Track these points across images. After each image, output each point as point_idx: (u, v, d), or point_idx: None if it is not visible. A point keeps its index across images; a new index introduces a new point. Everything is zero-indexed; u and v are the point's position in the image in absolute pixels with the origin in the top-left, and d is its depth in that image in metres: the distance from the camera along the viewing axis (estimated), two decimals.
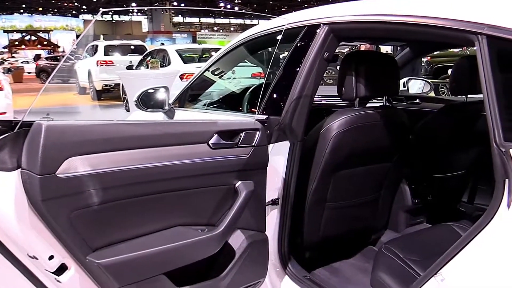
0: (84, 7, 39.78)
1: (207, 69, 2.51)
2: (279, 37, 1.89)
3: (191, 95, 2.67)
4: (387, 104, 2.01)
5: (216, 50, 10.85)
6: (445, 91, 8.77)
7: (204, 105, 2.71)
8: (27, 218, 1.20)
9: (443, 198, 2.57)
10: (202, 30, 46.33)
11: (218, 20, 47.47)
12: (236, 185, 1.62)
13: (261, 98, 1.86)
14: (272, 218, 1.84)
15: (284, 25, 1.89)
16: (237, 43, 2.25)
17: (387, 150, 2.04)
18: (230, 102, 2.80)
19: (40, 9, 39.76)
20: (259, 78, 6.96)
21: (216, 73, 2.57)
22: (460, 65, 2.24)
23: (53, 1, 36.73)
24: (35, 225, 1.21)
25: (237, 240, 1.67)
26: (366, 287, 1.93)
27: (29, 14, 40.65)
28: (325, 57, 1.75)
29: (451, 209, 2.66)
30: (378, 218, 2.28)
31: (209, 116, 2.37)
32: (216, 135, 1.56)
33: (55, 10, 41.55)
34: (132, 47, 13.39)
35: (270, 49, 2.51)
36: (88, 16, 43.53)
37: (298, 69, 1.77)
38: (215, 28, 48.12)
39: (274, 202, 1.82)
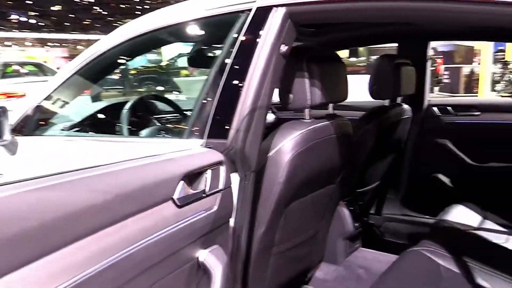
0: None
1: (68, 80, 1.77)
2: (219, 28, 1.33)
3: (41, 118, 1.87)
4: (334, 112, 1.62)
5: (20, 64, 9.45)
6: None
7: (63, 129, 1.93)
8: None
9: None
10: None
11: (11, 34, 42.14)
12: (203, 259, 1.02)
13: (196, 114, 1.28)
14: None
15: (254, 1, 1.31)
16: (125, 39, 1.59)
17: (335, 169, 1.66)
18: (102, 122, 2.06)
19: None
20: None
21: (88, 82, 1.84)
22: (382, 66, 1.99)
23: None
24: None
25: None
26: None
27: None
28: (283, 52, 1.27)
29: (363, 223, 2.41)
30: (317, 252, 1.89)
31: (78, 144, 1.64)
32: (182, 182, 0.94)
33: None
34: None
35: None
36: None
37: (246, 71, 1.24)
38: (8, 43, 42.63)
39: None
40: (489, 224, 1.91)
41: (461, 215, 1.95)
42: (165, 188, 0.96)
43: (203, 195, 1.06)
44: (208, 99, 1.28)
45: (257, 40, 1.25)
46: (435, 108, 2.52)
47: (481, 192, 2.34)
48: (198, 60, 2.26)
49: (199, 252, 1.07)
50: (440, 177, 2.50)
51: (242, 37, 1.28)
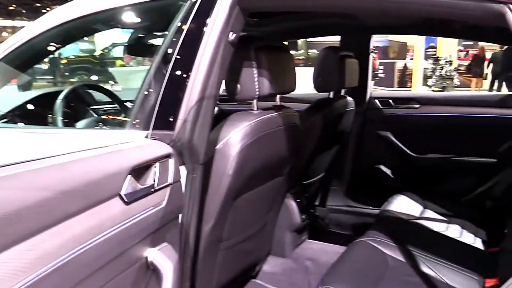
0: None
1: None
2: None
3: None
4: (281, 104, 1.58)
5: None
6: None
7: None
8: None
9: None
10: None
11: None
12: (152, 259, 0.95)
13: (140, 104, 1.19)
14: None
15: None
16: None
17: (283, 161, 1.63)
18: (34, 113, 1.89)
19: None
20: None
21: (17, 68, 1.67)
22: (326, 58, 1.98)
23: None
24: None
25: None
26: None
27: None
28: (231, 40, 1.21)
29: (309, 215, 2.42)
30: (264, 246, 1.86)
31: (9, 136, 1.49)
32: (130, 176, 0.86)
33: None
34: None
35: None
36: None
37: (193, 59, 1.17)
38: None
39: None
40: (430, 213, 1.97)
41: (403, 205, 1.99)
42: (111, 183, 0.88)
43: (152, 190, 0.99)
44: (153, 89, 1.19)
45: (205, 27, 1.19)
46: (376, 101, 2.56)
47: (420, 182, 2.41)
48: (138, 48, 2.15)
49: (148, 251, 1.00)
50: (382, 168, 2.55)
51: (188, 24, 1.21)
